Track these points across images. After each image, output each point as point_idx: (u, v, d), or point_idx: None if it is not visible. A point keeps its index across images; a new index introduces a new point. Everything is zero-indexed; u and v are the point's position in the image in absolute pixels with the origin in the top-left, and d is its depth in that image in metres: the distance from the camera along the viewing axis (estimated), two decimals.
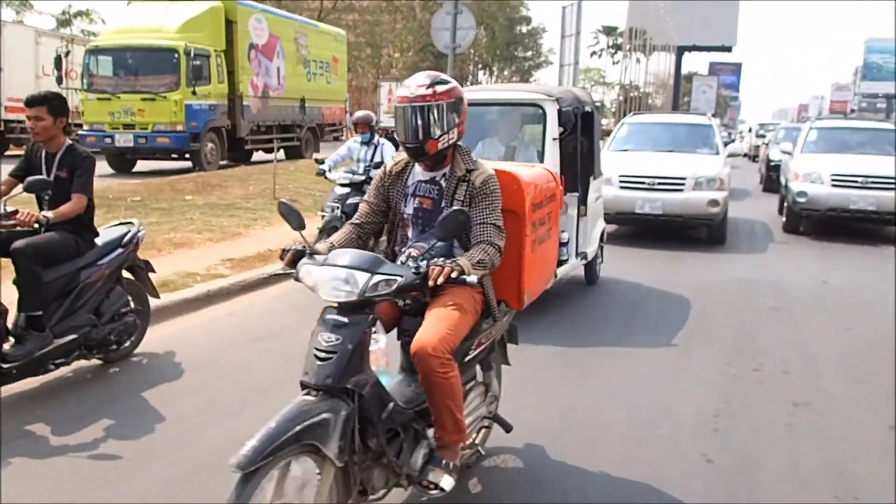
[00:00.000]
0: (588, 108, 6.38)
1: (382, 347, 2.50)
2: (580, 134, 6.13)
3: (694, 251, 8.91)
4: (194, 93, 14.81)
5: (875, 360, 5.01)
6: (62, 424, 3.63)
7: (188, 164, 15.48)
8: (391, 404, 2.51)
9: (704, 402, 4.17)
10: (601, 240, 6.99)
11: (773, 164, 15.50)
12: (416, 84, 2.71)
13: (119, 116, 14.61)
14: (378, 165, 6.98)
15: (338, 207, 6.83)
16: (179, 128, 14.55)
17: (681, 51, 50.70)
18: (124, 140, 14.65)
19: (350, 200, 6.84)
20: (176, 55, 14.42)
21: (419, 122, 2.67)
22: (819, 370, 4.81)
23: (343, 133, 22.33)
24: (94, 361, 4.46)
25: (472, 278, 2.48)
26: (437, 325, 2.55)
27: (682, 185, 9.02)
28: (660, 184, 9.05)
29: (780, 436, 3.75)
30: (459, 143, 2.83)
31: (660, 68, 46.75)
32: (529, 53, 60.28)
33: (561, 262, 5.81)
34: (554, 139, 5.49)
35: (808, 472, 3.37)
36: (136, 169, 15.46)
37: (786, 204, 10.86)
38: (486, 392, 3.16)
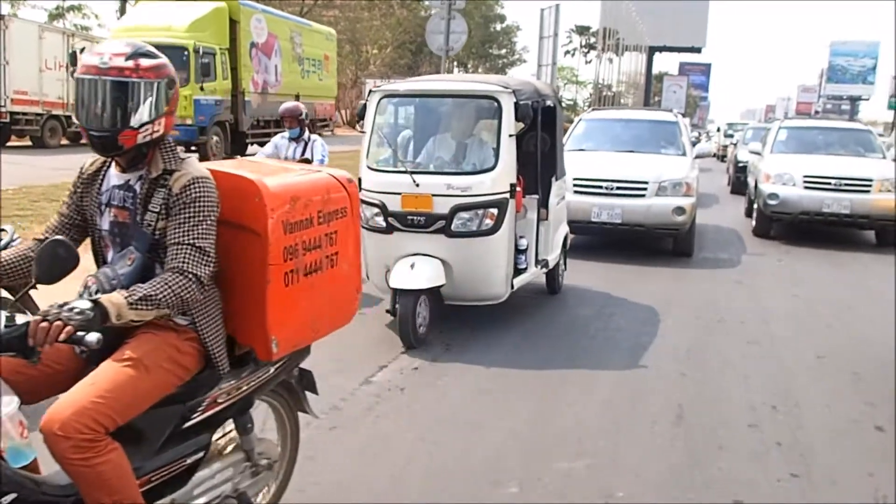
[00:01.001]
0: (550, 102, 5.75)
1: (12, 412, 1.80)
2: (541, 130, 5.53)
3: (657, 265, 7.81)
4: (202, 88, 15.54)
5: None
6: None
7: (195, 155, 15.40)
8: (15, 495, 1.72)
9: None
10: (564, 246, 6.36)
11: (741, 165, 14.72)
12: (113, 52, 1.95)
13: None
14: (306, 163, 5.97)
15: None
16: (189, 121, 15.14)
17: (652, 51, 50.74)
18: None
19: None
20: (186, 53, 15.03)
21: (111, 102, 1.94)
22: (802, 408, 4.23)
23: (331, 128, 23.64)
24: None
25: (93, 337, 1.73)
26: (81, 393, 1.83)
27: (645, 189, 7.86)
28: (619, 188, 7.87)
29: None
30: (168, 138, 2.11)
31: (631, 68, 46.56)
32: (504, 51, 59.82)
33: (519, 271, 5.24)
34: (510, 135, 4.86)
35: None
36: None
37: (756, 206, 10.17)
38: (245, 460, 2.39)
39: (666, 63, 66.58)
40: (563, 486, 3.09)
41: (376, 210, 4.87)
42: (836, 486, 3.18)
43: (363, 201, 4.96)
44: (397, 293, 4.71)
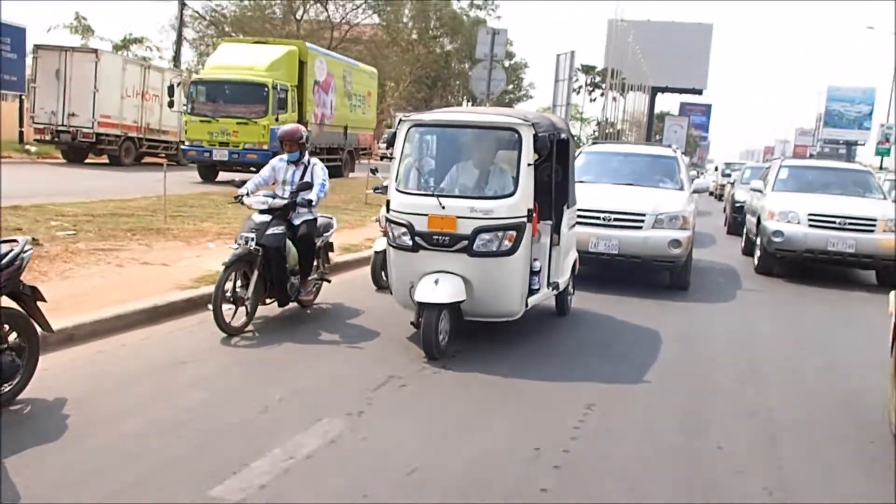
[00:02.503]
0: (564, 136, 6.14)
1: None
2: (555, 161, 5.88)
3: (656, 297, 7.84)
4: (277, 119, 17.49)
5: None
6: None
7: None
8: None
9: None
10: (573, 271, 6.69)
11: (738, 205, 14.30)
12: None
13: (216, 136, 17.66)
14: (306, 188, 5.90)
15: (252, 239, 5.49)
16: (265, 147, 17.14)
17: (654, 91, 51.58)
18: (220, 155, 17.70)
19: (271, 230, 5.61)
20: (266, 89, 17.68)
21: None
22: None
23: (369, 155, 26.70)
24: None
25: None
26: None
27: (642, 222, 7.93)
28: (616, 220, 7.93)
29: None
30: None
31: (635, 107, 47.31)
32: (511, 87, 60.81)
33: (533, 291, 5.54)
34: (529, 165, 5.21)
35: None
36: (218, 179, 17.89)
37: (758, 243, 10.11)
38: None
39: (668, 103, 67.44)
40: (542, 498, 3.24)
41: (403, 229, 5.20)
42: None
43: (391, 221, 5.32)
44: (422, 307, 5.02)
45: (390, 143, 5.63)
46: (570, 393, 4.64)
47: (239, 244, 5.54)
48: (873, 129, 58.68)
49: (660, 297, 7.97)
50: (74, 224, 8.86)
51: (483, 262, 5.08)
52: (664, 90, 55.39)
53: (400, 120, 5.69)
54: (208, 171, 18.26)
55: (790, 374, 5.43)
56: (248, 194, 5.95)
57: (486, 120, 5.73)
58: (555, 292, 6.20)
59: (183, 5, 31.94)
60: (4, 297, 3.80)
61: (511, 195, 5.16)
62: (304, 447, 3.53)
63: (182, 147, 18.00)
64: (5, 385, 3.77)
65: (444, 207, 5.07)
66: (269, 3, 38.59)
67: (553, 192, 5.92)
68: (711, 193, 24.75)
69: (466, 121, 5.81)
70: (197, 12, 36.05)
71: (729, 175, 24.95)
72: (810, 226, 9.39)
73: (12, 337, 3.83)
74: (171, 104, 20.27)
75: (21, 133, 23.06)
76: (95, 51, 21.84)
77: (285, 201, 5.86)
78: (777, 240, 9.50)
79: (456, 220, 5.06)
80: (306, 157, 6.17)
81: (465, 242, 5.04)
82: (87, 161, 21.23)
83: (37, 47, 21.23)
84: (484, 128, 5.63)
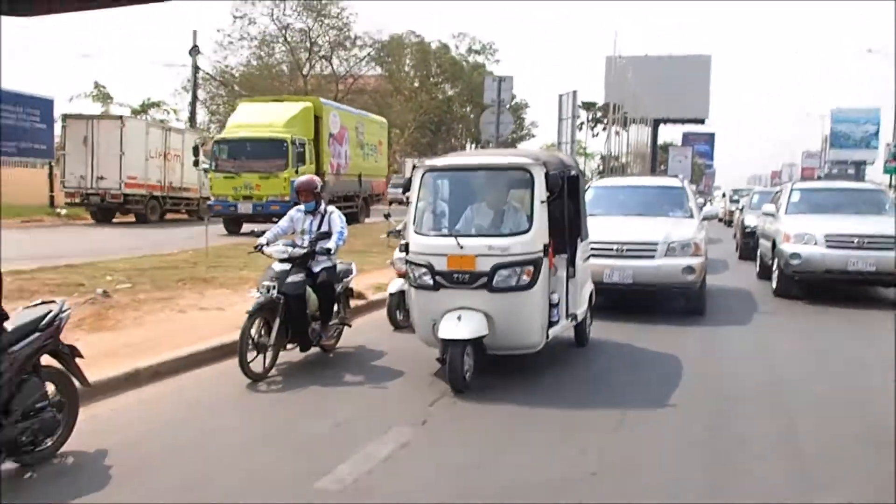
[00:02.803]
0: (573, 172, 6.33)
1: None
2: (567, 197, 6.08)
3: (673, 323, 7.89)
4: (297, 171, 17.80)
5: None
6: None
7: None
8: None
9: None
10: (590, 302, 6.83)
11: (748, 230, 14.25)
12: None
13: (240, 190, 18.56)
14: (325, 236, 6.04)
15: (274, 287, 5.62)
16: (287, 198, 17.67)
17: (656, 123, 52.03)
18: (245, 208, 18.61)
19: (291, 279, 5.73)
20: (285, 144, 18.63)
21: None
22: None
23: (381, 200, 27.48)
24: (8, 464, 3.75)
25: None
26: None
27: (654, 251, 8.05)
28: (629, 250, 8.05)
29: None
30: None
31: (637, 139, 47.80)
32: (514, 127, 61.67)
33: (552, 324, 5.67)
34: (542, 202, 5.41)
35: None
36: (242, 231, 18.71)
37: (776, 267, 10.02)
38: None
39: (671, 134, 68.03)
40: None
41: (424, 269, 5.37)
42: None
43: (411, 262, 5.52)
44: (446, 343, 5.17)
45: (406, 188, 5.86)
46: (594, 418, 4.72)
47: (261, 293, 5.67)
48: (881, 148, 58.86)
49: (677, 322, 8.01)
50: (129, 277, 9.40)
51: (503, 297, 5.21)
52: (666, 121, 55.91)
53: (414, 166, 5.90)
54: (232, 224, 19.07)
55: (815, 398, 5.39)
56: (267, 244, 6.10)
57: (498, 162, 5.93)
58: (573, 323, 6.31)
59: (197, 69, 33.01)
60: (45, 356, 3.94)
61: (526, 231, 5.31)
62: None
63: (209, 203, 19.37)
64: (48, 439, 3.89)
65: (462, 247, 5.23)
66: (276, 60, 39.89)
67: (567, 227, 6.09)
68: (721, 220, 24.70)
69: (479, 163, 6.02)
70: (208, 73, 37.23)
71: (737, 201, 24.86)
72: (828, 246, 9.27)
73: (52, 392, 3.97)
74: (195, 163, 21.08)
75: (52, 197, 24.16)
76: (121, 117, 23.24)
77: (304, 250, 5.97)
78: (795, 262, 9.40)
79: (475, 258, 5.21)
80: (322, 206, 6.32)
81: (485, 279, 5.17)
82: (115, 220, 22.18)
83: (65, 117, 22.55)
84: (497, 169, 5.82)
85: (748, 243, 14.25)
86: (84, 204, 21.80)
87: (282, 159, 18.53)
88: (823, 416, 4.90)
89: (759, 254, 11.99)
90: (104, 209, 21.81)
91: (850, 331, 8.03)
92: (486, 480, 3.79)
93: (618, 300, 8.63)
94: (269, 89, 33.72)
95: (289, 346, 5.95)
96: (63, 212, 22.98)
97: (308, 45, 38.99)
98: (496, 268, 5.19)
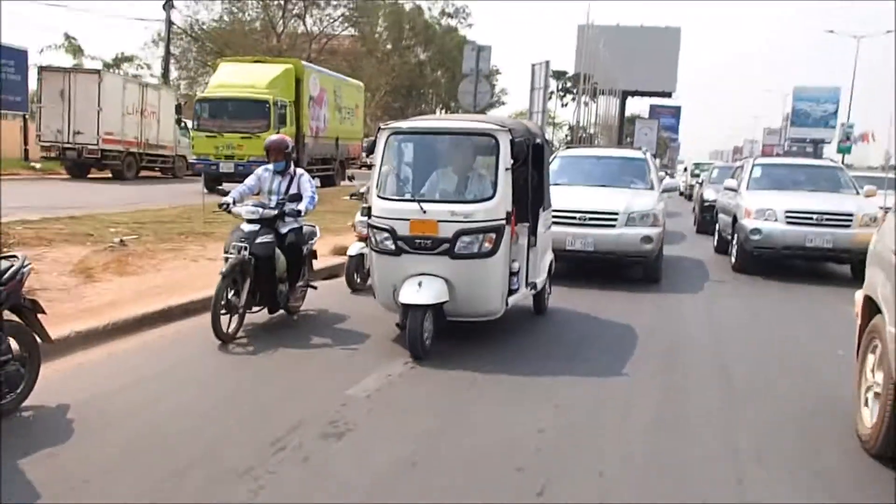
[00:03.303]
0: (538, 141, 6.26)
1: None
2: (531, 166, 6.05)
3: (630, 290, 8.11)
4: (278, 132, 18.50)
5: None
6: None
7: None
8: None
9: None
10: (550, 271, 6.85)
11: (707, 204, 14.38)
12: None
13: (222, 149, 18.51)
14: (295, 198, 5.89)
15: (245, 248, 5.53)
16: None
17: (625, 95, 52.14)
18: (226, 167, 18.44)
19: (260, 239, 5.62)
20: (267, 105, 18.63)
21: None
22: None
23: (358, 164, 27.59)
24: None
25: None
26: None
27: (615, 220, 8.25)
28: (591, 219, 8.26)
29: None
30: None
31: (606, 111, 47.92)
32: (489, 97, 61.27)
33: (511, 292, 5.67)
34: (507, 169, 5.35)
35: None
36: (220, 187, 18.43)
37: (734, 241, 10.12)
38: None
39: (638, 106, 68.30)
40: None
41: (386, 234, 5.27)
42: None
43: (373, 226, 5.45)
44: (406, 308, 5.14)
45: (370, 150, 5.74)
46: (548, 382, 4.74)
47: (231, 254, 5.55)
48: (837, 128, 60.08)
49: (634, 289, 8.21)
50: (132, 230, 9.69)
51: (464, 264, 5.15)
52: (634, 94, 56.01)
53: (379, 128, 5.75)
54: (212, 182, 19.01)
55: (762, 377, 5.43)
56: (234, 203, 5.91)
57: (464, 126, 5.82)
58: (533, 292, 6.32)
59: (170, 24, 31.89)
60: (6, 311, 3.82)
61: (490, 199, 5.23)
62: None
63: (190, 160, 19.16)
64: (10, 394, 3.82)
65: (425, 212, 5.14)
66: (250, 17, 38.72)
67: (529, 196, 6.04)
68: (681, 193, 24.78)
69: (445, 128, 5.91)
70: (180, 28, 35.95)
71: (698, 175, 25.14)
72: (788, 223, 9.37)
73: (15, 348, 3.88)
74: (178, 121, 21.66)
75: (26, 151, 23.54)
76: (98, 71, 22.72)
77: (275, 212, 5.83)
78: (755, 237, 9.47)
79: (437, 223, 5.13)
80: (292, 167, 6.13)
81: (447, 245, 5.10)
82: (90, 176, 21.64)
83: (41, 69, 21.92)
84: (462, 134, 5.71)
85: (706, 217, 14.31)
86: (60, 158, 21.28)
87: (264, 120, 18.44)
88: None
89: (717, 228, 12.06)
90: (80, 164, 21.28)
91: (800, 307, 8.13)
92: (445, 444, 3.75)
93: (577, 267, 8.72)
94: (243, 46, 32.75)
95: (255, 308, 5.85)
96: (38, 166, 22.45)
97: (282, 2, 37.87)
98: (458, 234, 5.12)
